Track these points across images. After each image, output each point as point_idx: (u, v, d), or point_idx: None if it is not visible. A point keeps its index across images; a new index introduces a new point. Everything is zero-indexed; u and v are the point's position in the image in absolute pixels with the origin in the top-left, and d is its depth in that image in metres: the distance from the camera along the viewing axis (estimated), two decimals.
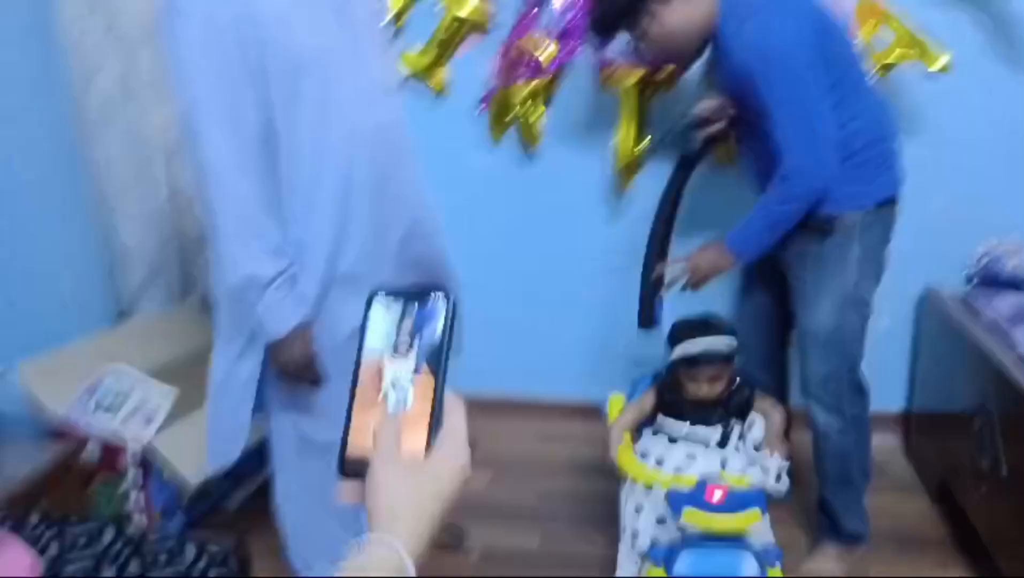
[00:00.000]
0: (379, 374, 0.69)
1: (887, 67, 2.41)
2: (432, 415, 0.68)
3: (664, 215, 2.17)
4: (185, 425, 2.25)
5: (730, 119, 2.06)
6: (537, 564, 2.18)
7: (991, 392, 2.03)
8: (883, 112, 1.98)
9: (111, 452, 2.16)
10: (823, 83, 1.80)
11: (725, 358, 1.87)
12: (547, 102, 2.65)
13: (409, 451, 0.66)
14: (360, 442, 0.69)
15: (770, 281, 2.14)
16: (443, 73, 2.68)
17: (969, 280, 2.57)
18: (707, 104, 2.08)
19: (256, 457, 2.52)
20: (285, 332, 1.58)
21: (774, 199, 1.87)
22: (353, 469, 0.68)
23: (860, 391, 2.04)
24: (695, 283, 2.02)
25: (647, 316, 2.13)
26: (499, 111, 2.65)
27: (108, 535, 1.51)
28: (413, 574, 0.64)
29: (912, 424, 2.68)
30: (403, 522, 0.65)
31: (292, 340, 1.60)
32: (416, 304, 0.70)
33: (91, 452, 2.17)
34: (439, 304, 0.69)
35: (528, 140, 2.65)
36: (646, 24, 1.90)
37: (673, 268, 2.05)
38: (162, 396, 2.24)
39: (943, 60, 2.32)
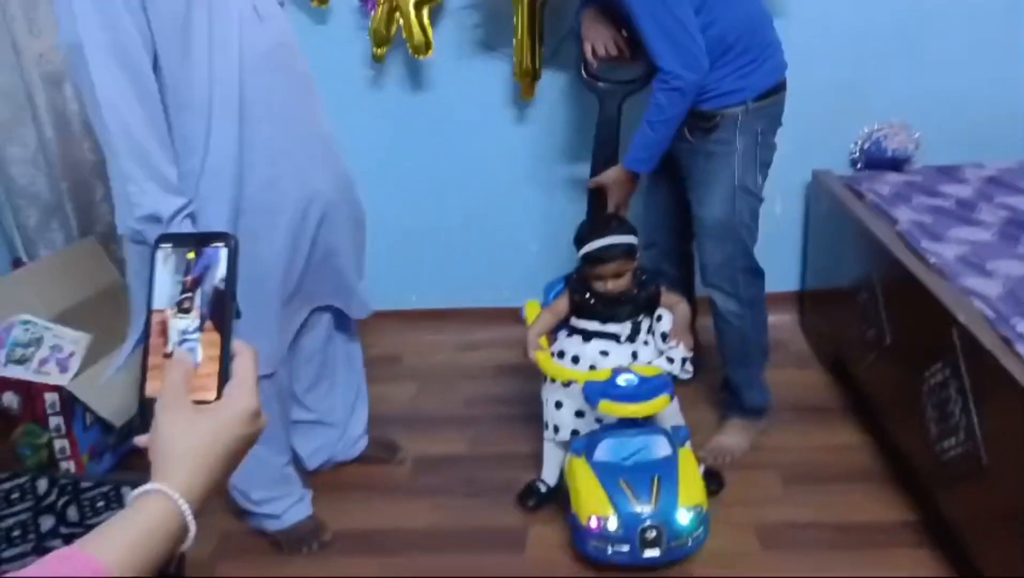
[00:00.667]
0: (166, 328, 0.69)
1: None
2: (220, 366, 0.69)
3: (601, 150, 2.21)
4: (102, 367, 2.23)
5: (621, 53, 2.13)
6: (466, 466, 2.28)
7: (874, 267, 2.18)
8: (755, 4, 2.04)
9: (31, 401, 2.13)
10: None
11: (626, 254, 1.96)
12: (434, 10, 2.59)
13: (197, 400, 0.67)
14: (153, 391, 0.69)
15: (669, 178, 2.23)
16: None
17: (853, 163, 2.71)
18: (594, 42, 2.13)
19: None
20: None
21: (653, 108, 1.95)
22: (148, 416, 0.69)
23: (755, 275, 2.17)
24: (616, 207, 2.12)
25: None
26: (386, 19, 2.57)
27: (42, 486, 1.52)
28: (190, 517, 0.64)
29: (806, 302, 2.86)
30: (179, 465, 0.65)
31: None
32: (197, 253, 0.69)
33: (10, 402, 2.14)
34: (220, 252, 0.69)
35: (418, 48, 2.59)
36: None
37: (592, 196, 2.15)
38: (74, 342, 2.21)
39: None
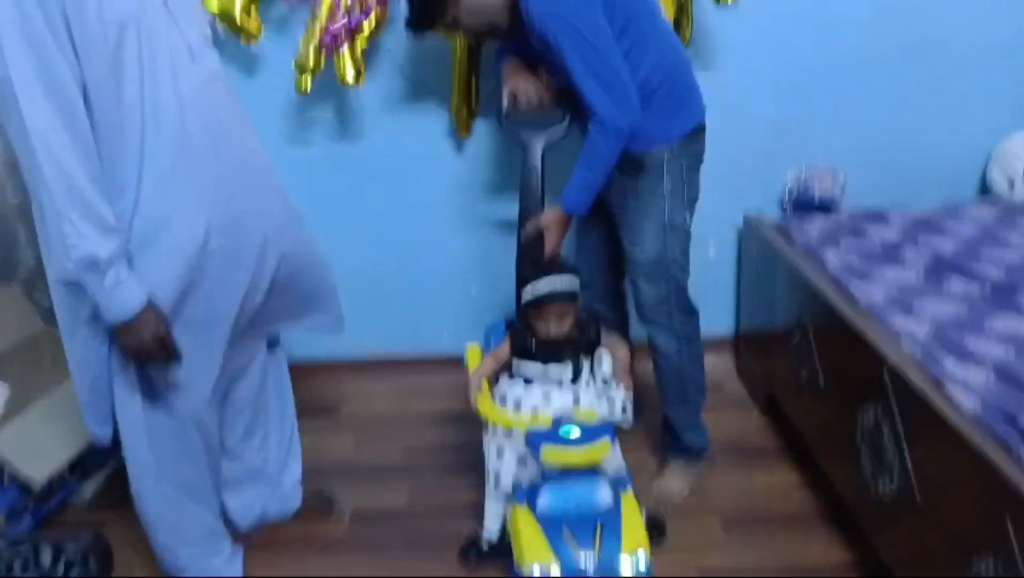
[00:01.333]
0: None
1: (684, 3, 2.46)
2: None
3: (528, 198, 2.23)
4: (22, 421, 2.14)
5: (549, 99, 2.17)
6: (407, 520, 2.23)
7: (806, 309, 2.23)
8: (675, 50, 2.10)
9: None
10: (611, 33, 1.92)
11: (569, 296, 1.96)
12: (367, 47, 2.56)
13: None
14: None
15: (600, 218, 2.26)
16: (252, 22, 2.51)
17: (783, 207, 2.78)
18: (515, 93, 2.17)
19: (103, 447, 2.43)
20: (130, 316, 1.54)
21: (589, 150, 1.99)
22: None
23: (689, 312, 2.21)
24: (553, 247, 2.13)
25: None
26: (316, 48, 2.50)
27: None
28: None
29: (741, 344, 2.90)
30: None
31: (139, 323, 1.56)
32: None
33: None
34: None
35: (349, 79, 2.52)
36: (454, 12, 2.01)
37: (529, 240, 2.14)
38: None
39: None
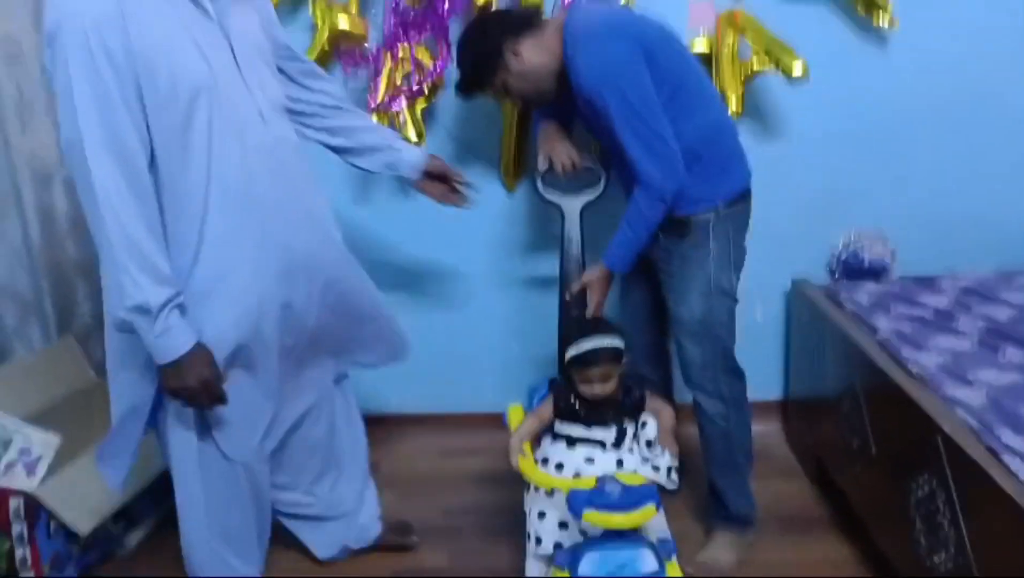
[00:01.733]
0: None
1: (751, 76, 2.51)
2: None
3: (568, 261, 2.27)
4: (71, 472, 2.17)
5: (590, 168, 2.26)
6: None
7: (856, 376, 2.18)
8: (721, 115, 2.12)
9: None
10: (658, 97, 1.95)
11: (613, 357, 1.95)
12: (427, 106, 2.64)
13: None
14: None
15: (645, 280, 2.27)
16: None
17: (831, 272, 2.76)
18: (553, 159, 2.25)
19: (148, 496, 2.45)
20: (175, 358, 1.62)
21: (634, 211, 2.01)
22: None
23: (736, 375, 2.18)
24: (596, 307, 2.15)
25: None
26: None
27: None
28: None
29: (790, 411, 2.85)
30: None
31: (185, 366, 1.63)
32: None
33: None
34: None
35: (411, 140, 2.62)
36: (503, 78, 2.08)
37: (574, 298, 2.18)
38: (44, 444, 2.15)
39: (799, 67, 2.42)
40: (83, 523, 2.12)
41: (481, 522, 2.44)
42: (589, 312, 2.15)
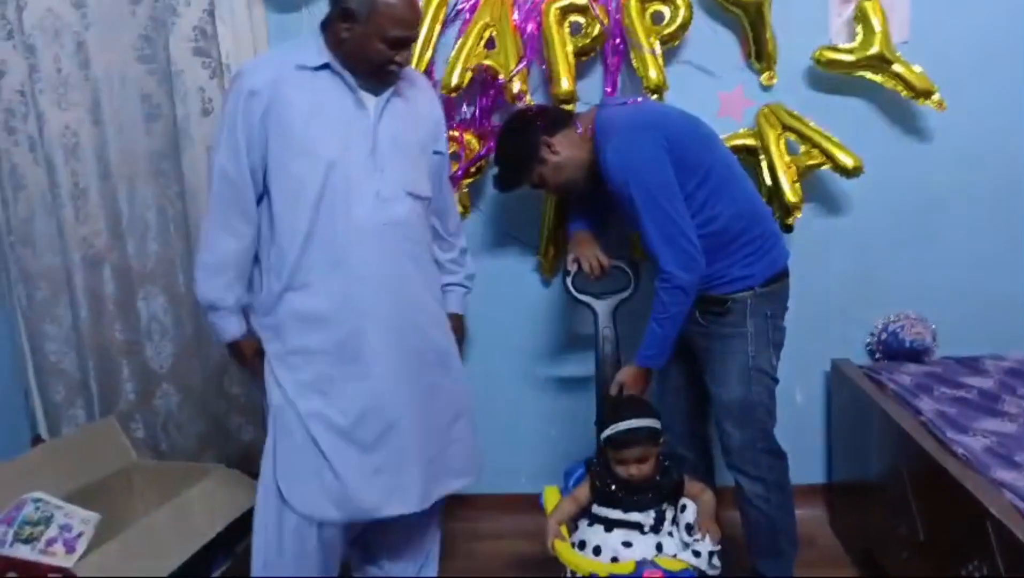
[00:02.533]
0: None
1: (804, 171, 2.52)
2: None
3: (605, 363, 2.29)
4: (110, 550, 2.17)
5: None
6: None
7: (901, 459, 2.14)
8: (754, 199, 2.16)
9: None
10: (682, 189, 2.01)
11: (650, 437, 1.94)
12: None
13: None
14: None
15: (682, 362, 2.26)
16: None
17: (871, 354, 2.72)
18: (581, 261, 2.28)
19: (185, 575, 2.44)
20: (227, 341, 2.03)
21: (658, 307, 2.04)
22: None
23: (777, 456, 2.15)
24: (634, 391, 2.14)
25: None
26: None
27: None
28: None
29: (834, 494, 2.78)
30: None
31: (233, 350, 2.04)
32: None
33: None
34: None
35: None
36: (540, 172, 2.18)
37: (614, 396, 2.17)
38: (84, 522, 2.17)
39: (852, 163, 2.45)
40: None
41: None
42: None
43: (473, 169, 2.62)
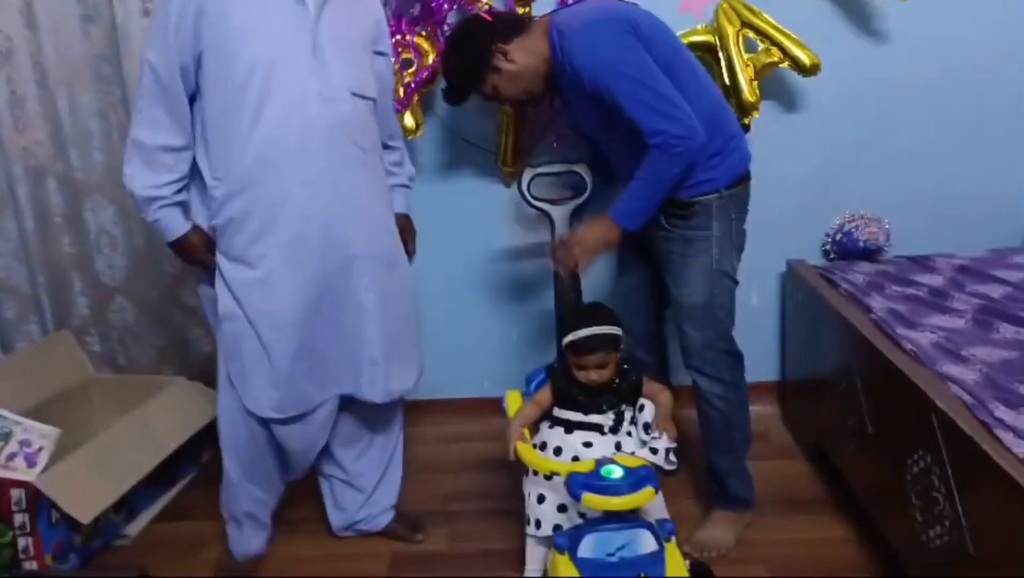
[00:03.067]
0: None
1: (762, 69, 2.49)
2: None
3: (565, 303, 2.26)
4: (71, 463, 2.18)
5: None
6: (447, 565, 2.22)
7: (852, 356, 2.19)
8: (718, 100, 2.11)
9: None
10: (657, 68, 1.93)
11: (611, 344, 1.96)
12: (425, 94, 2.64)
13: None
14: None
15: (640, 263, 2.28)
16: None
17: (826, 254, 2.76)
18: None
19: (149, 487, 2.46)
20: (167, 241, 1.97)
21: (653, 167, 1.95)
22: None
23: (735, 357, 2.19)
24: (584, 259, 2.11)
25: None
26: None
27: None
28: None
29: (786, 392, 2.86)
30: None
31: (179, 248, 1.97)
32: None
33: None
34: None
35: (409, 129, 2.60)
36: (493, 81, 2.09)
37: (560, 251, 2.13)
38: (44, 437, 2.16)
39: (809, 61, 2.43)
40: (84, 513, 2.13)
41: (480, 506, 2.45)
42: (574, 266, 2.11)
43: (428, 76, 2.54)
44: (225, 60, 1.82)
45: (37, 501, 2.07)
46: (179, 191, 1.93)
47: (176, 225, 1.93)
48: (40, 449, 2.13)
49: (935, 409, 1.71)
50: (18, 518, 2.06)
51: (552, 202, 2.26)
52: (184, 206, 1.95)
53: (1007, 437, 1.54)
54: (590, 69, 1.94)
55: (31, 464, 2.11)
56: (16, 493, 2.06)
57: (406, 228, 2.21)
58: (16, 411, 2.21)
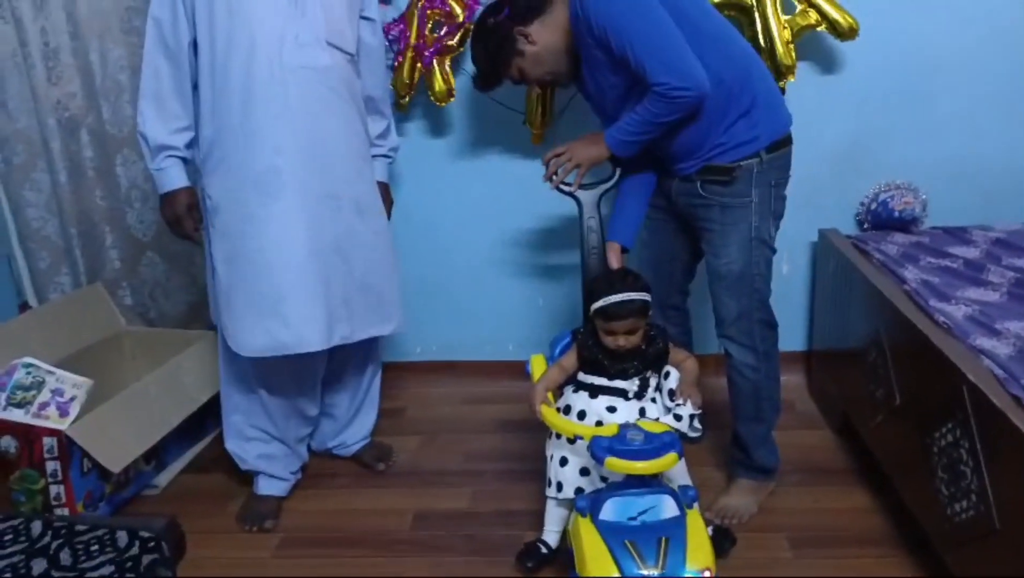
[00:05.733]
0: None
1: (799, 32, 2.45)
2: None
3: (588, 255, 2.22)
4: (103, 413, 2.22)
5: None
6: (468, 523, 2.24)
7: (882, 326, 2.16)
8: (751, 57, 2.06)
9: (28, 445, 2.11)
10: (670, 18, 1.89)
11: (641, 310, 1.94)
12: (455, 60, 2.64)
13: None
14: None
15: (673, 234, 2.25)
16: None
17: (859, 224, 2.72)
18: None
19: (180, 438, 2.51)
20: (162, 192, 2.10)
21: (650, 109, 1.93)
22: None
23: (770, 326, 2.16)
24: (573, 168, 2.09)
25: None
26: (410, 69, 2.61)
27: (36, 528, 1.48)
28: None
29: (813, 362, 2.84)
30: None
31: (168, 201, 2.10)
32: None
33: (7, 446, 2.12)
34: None
35: (440, 96, 2.62)
36: (518, 64, 2.08)
37: (555, 160, 2.11)
38: (76, 386, 2.20)
39: (847, 24, 2.40)
40: (115, 462, 2.18)
41: (502, 467, 2.47)
42: (566, 161, 2.08)
43: (455, 43, 2.54)
44: (211, 5, 1.96)
45: (69, 450, 2.12)
46: (188, 145, 2.08)
47: (175, 179, 2.08)
48: (72, 399, 2.17)
49: (966, 382, 1.68)
50: (50, 466, 2.11)
51: (580, 187, 2.24)
52: (187, 164, 2.09)
53: None
54: (603, 17, 1.91)
55: (63, 413, 2.15)
56: (48, 441, 2.11)
57: (384, 197, 2.30)
58: (49, 361, 2.25)
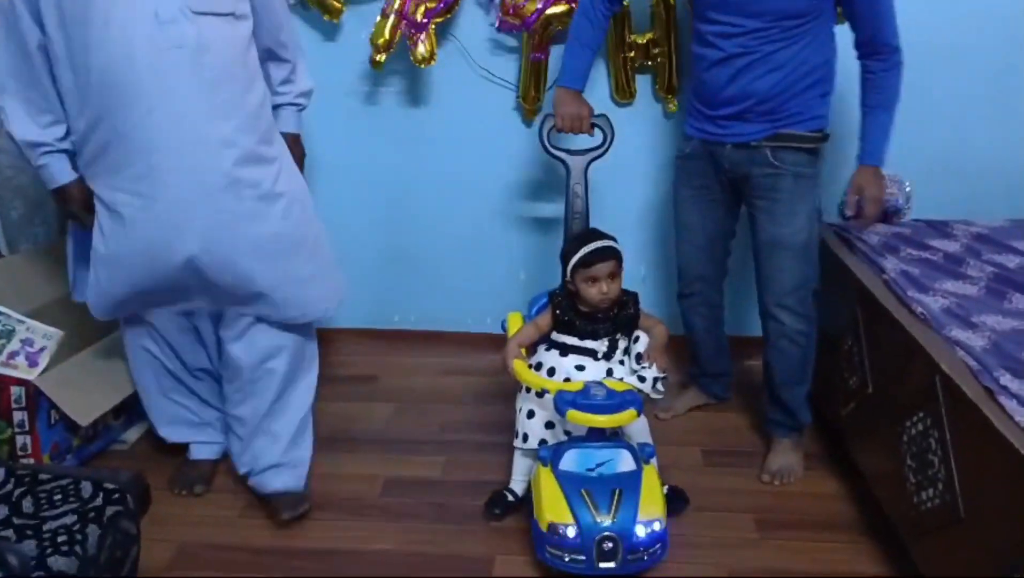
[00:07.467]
0: None
1: None
2: None
3: (574, 219, 2.25)
4: (73, 365, 2.20)
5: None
6: (439, 491, 2.24)
7: (860, 314, 2.17)
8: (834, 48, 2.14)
9: None
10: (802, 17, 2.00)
11: (616, 254, 2.02)
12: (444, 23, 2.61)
13: None
14: None
15: (723, 212, 2.29)
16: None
17: (843, 213, 2.72)
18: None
19: None
20: (51, 188, 1.93)
21: (888, 93, 2.05)
22: None
23: (817, 296, 2.23)
24: (874, 212, 2.15)
25: None
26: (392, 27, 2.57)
27: None
28: None
29: None
30: None
31: (59, 197, 1.94)
32: None
33: None
34: None
35: (422, 58, 2.57)
36: None
37: (863, 218, 2.17)
38: (46, 337, 2.17)
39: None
40: (83, 415, 2.15)
41: (475, 438, 2.47)
42: (870, 215, 2.15)
43: (443, 7, 2.51)
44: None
45: (37, 400, 2.09)
46: (63, 137, 1.86)
47: (61, 174, 1.89)
48: (42, 349, 2.14)
49: (939, 372, 1.69)
50: (17, 416, 2.08)
51: (569, 152, 2.24)
52: (70, 155, 1.89)
53: (1010, 404, 1.53)
54: None
55: (32, 364, 2.12)
56: (16, 391, 2.08)
57: (294, 147, 2.08)
58: (19, 311, 2.21)
